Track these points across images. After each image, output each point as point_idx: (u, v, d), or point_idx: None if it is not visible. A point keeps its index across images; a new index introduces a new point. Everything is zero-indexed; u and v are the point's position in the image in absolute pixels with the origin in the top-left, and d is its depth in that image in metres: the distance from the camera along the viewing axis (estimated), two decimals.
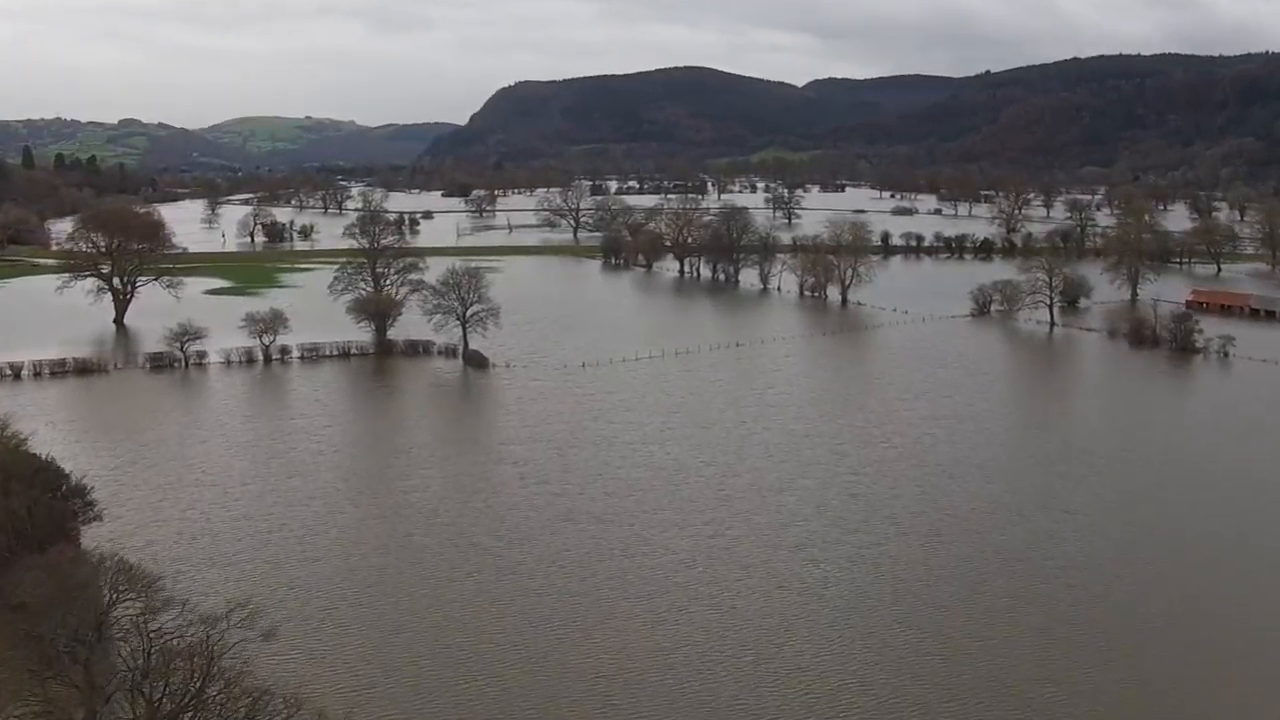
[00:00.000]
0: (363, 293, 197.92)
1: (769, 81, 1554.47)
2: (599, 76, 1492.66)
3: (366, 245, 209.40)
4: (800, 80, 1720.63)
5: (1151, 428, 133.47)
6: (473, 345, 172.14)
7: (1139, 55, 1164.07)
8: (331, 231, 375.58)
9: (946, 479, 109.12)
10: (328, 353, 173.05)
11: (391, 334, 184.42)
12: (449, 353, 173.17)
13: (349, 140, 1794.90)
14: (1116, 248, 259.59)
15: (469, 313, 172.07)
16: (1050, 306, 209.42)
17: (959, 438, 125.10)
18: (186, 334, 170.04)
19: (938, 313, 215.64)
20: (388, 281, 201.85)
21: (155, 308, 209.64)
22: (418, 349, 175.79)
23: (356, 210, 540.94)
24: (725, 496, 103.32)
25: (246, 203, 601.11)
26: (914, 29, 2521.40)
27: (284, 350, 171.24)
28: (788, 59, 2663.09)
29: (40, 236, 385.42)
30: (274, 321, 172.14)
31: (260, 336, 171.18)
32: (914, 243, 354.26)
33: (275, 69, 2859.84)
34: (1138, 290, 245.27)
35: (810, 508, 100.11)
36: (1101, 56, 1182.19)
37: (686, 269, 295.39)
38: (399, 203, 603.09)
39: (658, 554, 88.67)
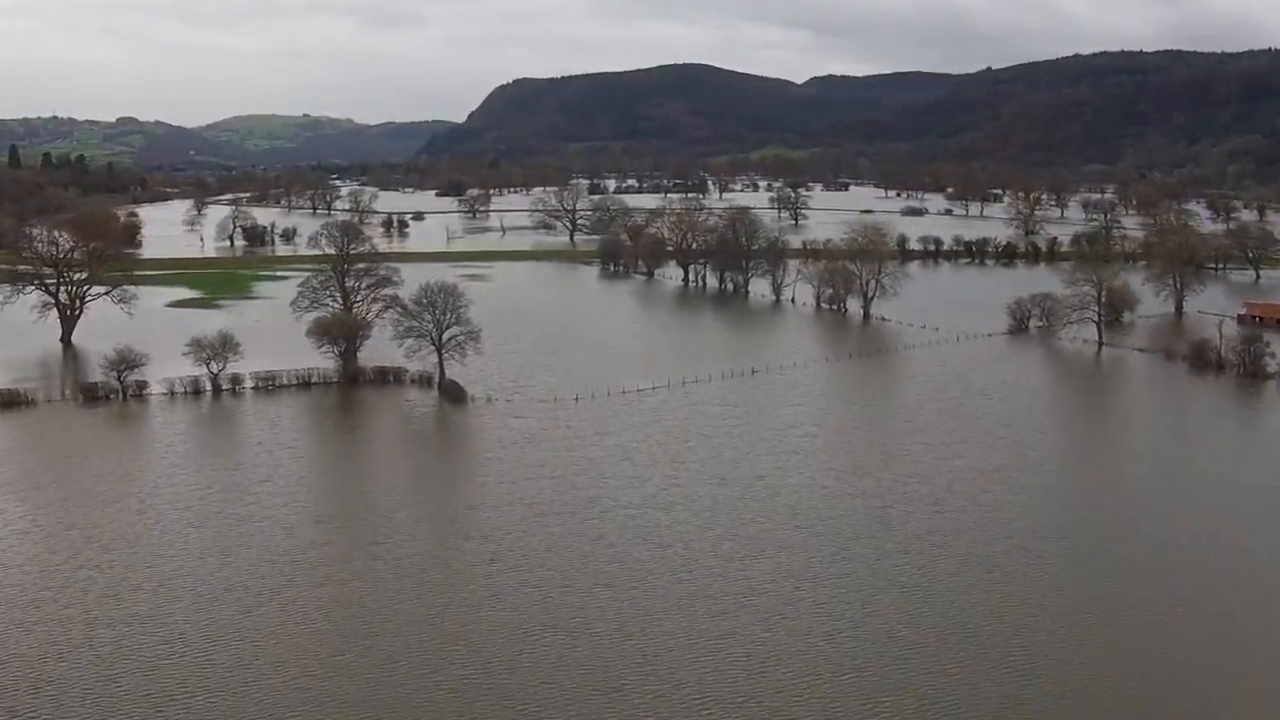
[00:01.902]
0: (331, 310, 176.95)
1: (768, 79, 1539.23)
2: (596, 74, 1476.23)
3: (334, 255, 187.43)
4: (800, 78, 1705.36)
5: (1244, 484, 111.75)
6: (451, 373, 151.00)
7: (1141, 52, 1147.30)
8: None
9: (1022, 560, 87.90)
10: (285, 382, 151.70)
11: (362, 355, 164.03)
12: (423, 382, 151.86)
13: (347, 138, 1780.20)
14: (1161, 255, 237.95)
15: (445, 337, 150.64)
16: (1098, 324, 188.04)
17: (1024, 497, 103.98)
18: (124, 362, 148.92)
19: (970, 330, 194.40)
20: (358, 297, 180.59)
21: (110, 324, 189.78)
22: (388, 377, 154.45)
23: (345, 211, 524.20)
24: (747, 588, 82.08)
25: (234, 202, 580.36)
26: (910, 25, 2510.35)
27: (235, 380, 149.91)
28: (785, 56, 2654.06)
29: (15, 240, 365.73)
30: (223, 347, 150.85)
31: (208, 364, 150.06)
32: (932, 246, 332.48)
33: (272, 67, 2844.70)
34: (1183, 302, 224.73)
35: (856, 608, 78.84)
36: (1103, 53, 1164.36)
37: (691, 277, 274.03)
38: (391, 202, 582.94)
39: (660, 688, 67.42)
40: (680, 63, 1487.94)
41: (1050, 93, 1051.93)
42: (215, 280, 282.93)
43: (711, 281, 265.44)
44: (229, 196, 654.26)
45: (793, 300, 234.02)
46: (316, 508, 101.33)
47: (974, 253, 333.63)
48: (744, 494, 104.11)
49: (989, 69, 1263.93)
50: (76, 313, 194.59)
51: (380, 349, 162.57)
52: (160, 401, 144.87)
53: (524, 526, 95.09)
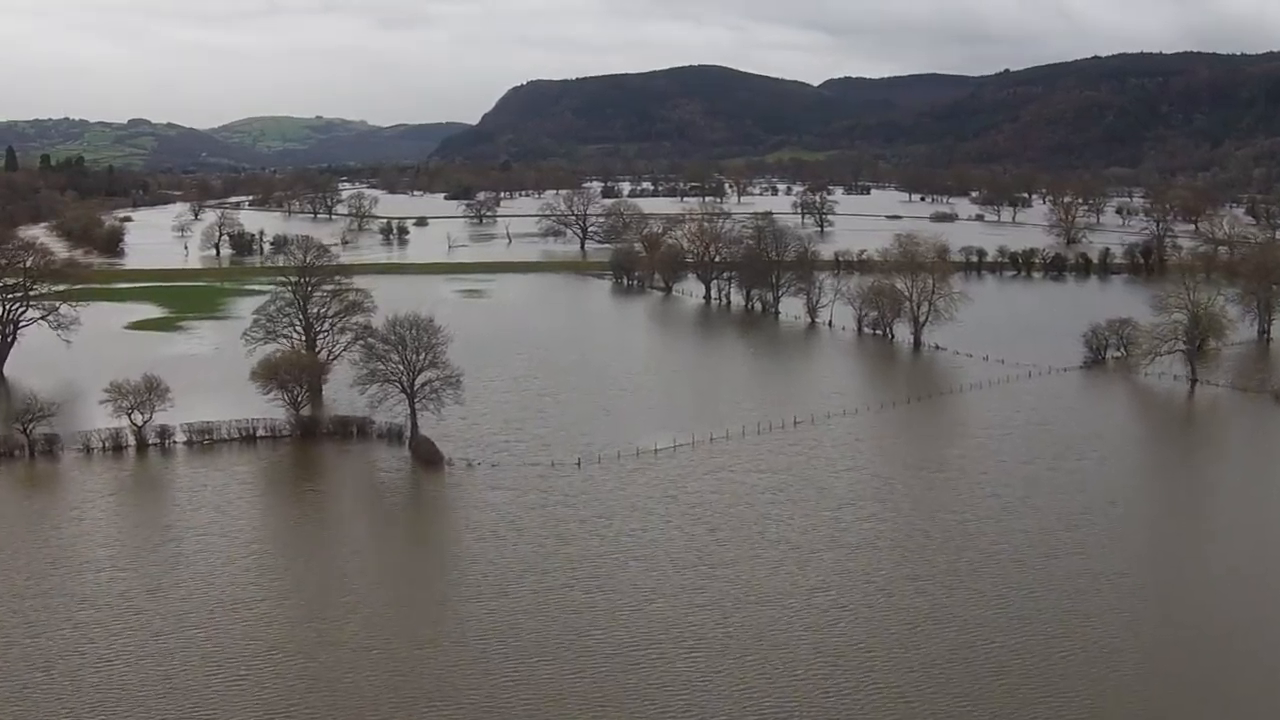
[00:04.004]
0: (291, 341, 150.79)
1: (783, 80, 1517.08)
2: (611, 75, 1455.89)
3: (295, 278, 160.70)
4: (815, 79, 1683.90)
5: None
6: (427, 424, 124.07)
7: (1161, 53, 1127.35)
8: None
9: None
10: (225, 435, 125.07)
11: (329, 396, 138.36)
12: (393, 436, 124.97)
13: (360, 140, 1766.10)
14: (1247, 272, 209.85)
15: (418, 382, 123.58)
16: (1191, 357, 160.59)
17: (1176, 623, 76.88)
18: (29, 413, 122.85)
19: (1040, 362, 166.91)
20: (324, 326, 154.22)
21: (54, 352, 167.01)
22: (350, 430, 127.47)
23: (347, 215, 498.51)
24: None
25: (237, 206, 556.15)
26: (925, 27, 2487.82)
27: (164, 433, 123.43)
28: (800, 57, 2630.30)
29: None
30: (148, 394, 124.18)
31: (129, 415, 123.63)
32: (974, 258, 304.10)
33: (283, 68, 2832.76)
34: (1269, 327, 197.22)
35: None
36: (1123, 54, 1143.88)
37: (713, 293, 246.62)
38: (396, 206, 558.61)
39: None
40: (695, 64, 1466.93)
41: (1070, 95, 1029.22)
42: (188, 296, 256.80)
43: (736, 299, 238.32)
44: (231, 200, 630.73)
45: (830, 323, 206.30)
46: (209, 643, 74.17)
47: (1019, 265, 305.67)
48: (795, 620, 76.93)
49: (1006, 71, 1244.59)
50: (9, 339, 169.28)
51: (349, 390, 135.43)
52: (75, 460, 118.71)
53: (489, 682, 68.03)
